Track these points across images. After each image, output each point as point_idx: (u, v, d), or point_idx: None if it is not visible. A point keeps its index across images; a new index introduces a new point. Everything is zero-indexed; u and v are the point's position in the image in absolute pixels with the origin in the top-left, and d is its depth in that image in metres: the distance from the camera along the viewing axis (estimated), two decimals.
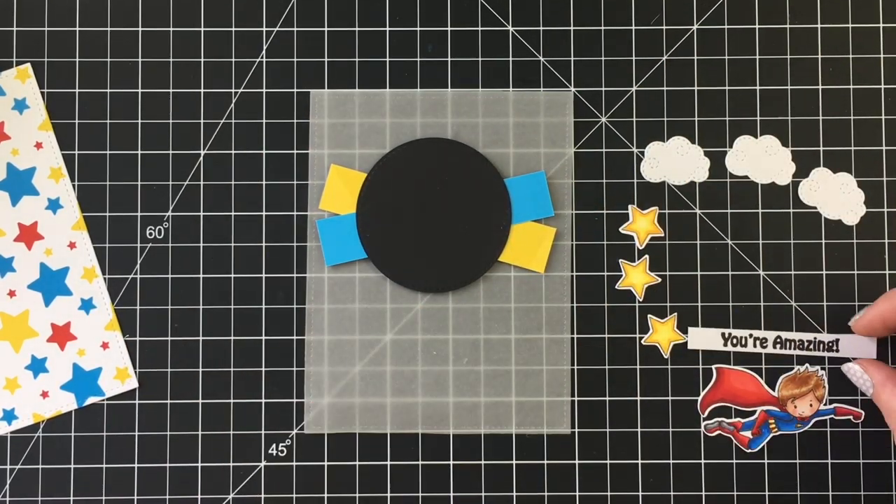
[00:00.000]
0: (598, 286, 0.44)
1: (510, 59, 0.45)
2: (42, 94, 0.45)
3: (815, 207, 0.45)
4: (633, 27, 0.45)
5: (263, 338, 0.44)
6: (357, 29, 0.45)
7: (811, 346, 0.39)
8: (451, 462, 0.44)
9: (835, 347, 0.40)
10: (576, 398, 0.44)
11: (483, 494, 0.44)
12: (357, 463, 0.44)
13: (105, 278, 0.44)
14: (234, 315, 0.44)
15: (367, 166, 0.44)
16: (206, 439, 0.44)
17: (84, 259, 0.44)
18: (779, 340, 0.39)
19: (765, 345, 0.39)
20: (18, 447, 0.44)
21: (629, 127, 0.45)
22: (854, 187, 0.45)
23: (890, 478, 0.44)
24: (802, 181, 0.45)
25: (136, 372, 0.44)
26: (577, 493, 0.44)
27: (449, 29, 0.45)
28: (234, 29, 0.45)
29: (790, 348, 0.38)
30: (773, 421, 0.44)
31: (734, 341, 0.40)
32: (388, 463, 0.44)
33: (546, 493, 0.44)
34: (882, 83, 0.45)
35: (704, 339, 0.40)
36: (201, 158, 0.45)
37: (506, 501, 0.44)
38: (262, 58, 0.45)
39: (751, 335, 0.40)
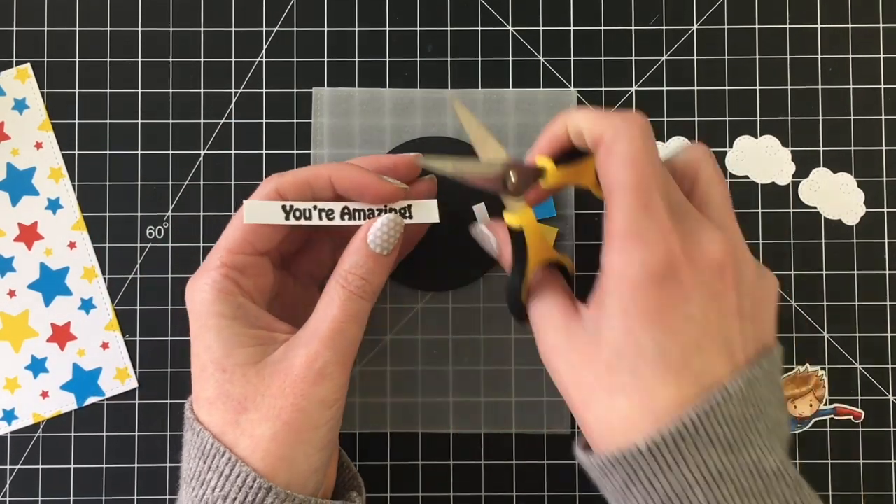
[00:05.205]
0: None
1: (510, 59, 0.45)
2: (42, 94, 0.45)
3: (815, 207, 0.45)
4: (633, 27, 0.45)
5: None
6: (357, 29, 0.45)
7: (383, 212, 0.37)
8: (451, 462, 0.44)
9: (408, 214, 0.38)
10: None
11: (483, 494, 0.44)
12: (357, 463, 0.44)
13: (105, 278, 0.44)
14: None
15: None
16: None
17: (84, 259, 0.44)
18: (346, 211, 0.37)
19: (331, 216, 0.36)
20: (18, 447, 0.44)
21: None
22: (854, 187, 0.45)
23: (890, 478, 0.44)
24: (802, 181, 0.45)
25: (135, 372, 0.44)
26: (577, 493, 0.44)
27: (449, 29, 0.45)
28: (234, 29, 0.45)
29: (359, 218, 0.36)
30: None
31: (297, 214, 0.36)
32: (388, 463, 0.44)
33: (546, 493, 0.44)
34: (882, 83, 0.45)
35: (263, 212, 0.36)
36: (201, 158, 0.45)
37: (506, 501, 0.44)
38: (262, 58, 0.45)
39: (315, 206, 0.36)
